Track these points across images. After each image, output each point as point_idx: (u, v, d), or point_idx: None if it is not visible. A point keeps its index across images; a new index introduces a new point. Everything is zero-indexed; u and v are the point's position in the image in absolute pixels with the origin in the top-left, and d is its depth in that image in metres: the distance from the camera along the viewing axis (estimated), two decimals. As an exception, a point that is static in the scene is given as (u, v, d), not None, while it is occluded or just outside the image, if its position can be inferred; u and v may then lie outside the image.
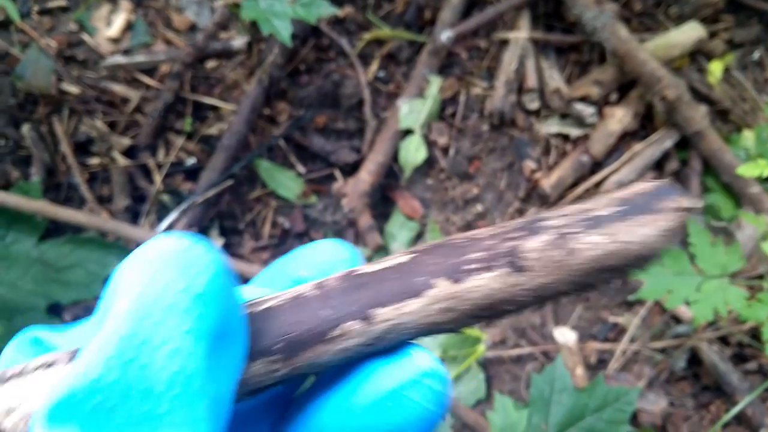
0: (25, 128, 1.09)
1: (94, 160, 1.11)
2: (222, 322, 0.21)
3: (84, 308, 1.02)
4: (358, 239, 1.13)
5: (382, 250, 1.10)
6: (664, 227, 0.25)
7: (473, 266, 0.27)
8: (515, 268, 0.26)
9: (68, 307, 1.02)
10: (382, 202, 1.15)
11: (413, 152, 1.12)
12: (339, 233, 1.13)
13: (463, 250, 0.27)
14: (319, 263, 0.30)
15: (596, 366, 1.09)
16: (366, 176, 1.09)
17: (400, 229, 1.11)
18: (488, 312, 0.27)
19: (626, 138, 1.17)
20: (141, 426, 0.19)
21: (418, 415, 0.25)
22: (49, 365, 0.23)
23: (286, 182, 1.13)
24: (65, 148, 1.11)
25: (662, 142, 1.16)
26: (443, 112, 1.16)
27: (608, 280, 0.25)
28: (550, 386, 0.89)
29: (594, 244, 0.25)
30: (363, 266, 0.28)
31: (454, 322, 0.28)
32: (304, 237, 1.14)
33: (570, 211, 0.26)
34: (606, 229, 0.26)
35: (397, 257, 0.28)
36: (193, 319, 0.20)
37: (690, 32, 1.18)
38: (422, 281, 0.27)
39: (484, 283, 0.27)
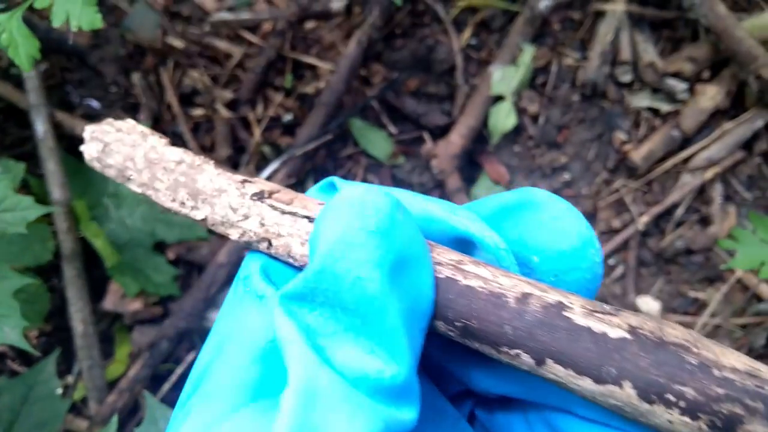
0: (135, 77, 1.15)
1: (198, 111, 1.16)
2: (397, 254, 0.25)
3: (186, 247, 1.07)
4: (444, 201, 1.16)
5: (468, 212, 1.13)
6: None
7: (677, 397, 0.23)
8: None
9: (172, 245, 1.07)
10: (468, 166, 1.18)
11: (503, 118, 1.14)
12: (425, 195, 1.16)
13: (685, 376, 0.23)
14: (552, 251, 0.28)
15: (675, 338, 1.10)
16: (457, 139, 1.12)
17: (486, 193, 1.14)
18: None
19: (717, 116, 1.17)
20: (345, 332, 0.24)
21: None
22: (309, 220, 0.29)
23: (378, 142, 1.16)
24: (171, 97, 1.16)
25: (753, 121, 1.16)
26: (534, 80, 1.18)
27: None
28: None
29: None
30: (573, 302, 0.26)
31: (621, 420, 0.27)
32: (391, 196, 1.17)
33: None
34: None
35: (611, 319, 0.26)
36: (368, 252, 0.24)
37: (788, 13, 1.17)
38: (612, 374, 0.25)
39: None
